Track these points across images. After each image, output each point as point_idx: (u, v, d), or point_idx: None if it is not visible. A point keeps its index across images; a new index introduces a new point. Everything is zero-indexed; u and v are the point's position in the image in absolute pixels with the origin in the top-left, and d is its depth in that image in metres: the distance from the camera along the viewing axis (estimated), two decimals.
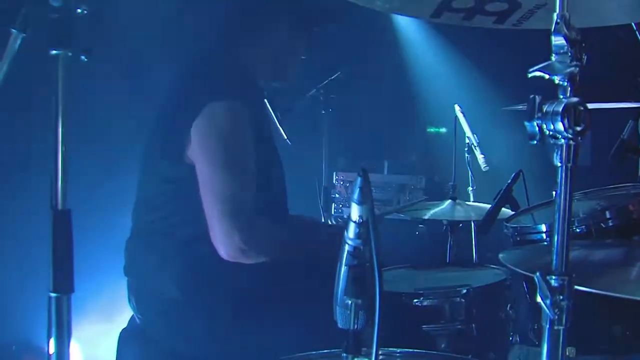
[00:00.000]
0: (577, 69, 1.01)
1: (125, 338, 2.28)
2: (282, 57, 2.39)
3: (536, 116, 1.03)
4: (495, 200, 2.42)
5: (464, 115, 3.17)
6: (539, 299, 1.03)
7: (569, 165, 1.02)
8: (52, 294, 1.22)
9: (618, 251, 1.72)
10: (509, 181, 2.44)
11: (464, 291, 2.18)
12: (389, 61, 4.97)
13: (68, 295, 1.23)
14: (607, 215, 1.89)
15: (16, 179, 3.16)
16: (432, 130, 5.10)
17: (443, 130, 5.02)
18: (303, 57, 2.47)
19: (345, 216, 1.11)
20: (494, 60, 4.51)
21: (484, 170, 3.11)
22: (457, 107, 3.20)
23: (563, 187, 1.02)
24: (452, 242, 2.93)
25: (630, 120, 2.29)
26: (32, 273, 2.27)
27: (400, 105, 4.88)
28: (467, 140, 3.16)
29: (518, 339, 2.31)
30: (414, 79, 5.10)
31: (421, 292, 2.19)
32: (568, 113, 1.00)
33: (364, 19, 4.23)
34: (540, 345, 1.08)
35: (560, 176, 1.02)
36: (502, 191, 2.43)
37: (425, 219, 3.11)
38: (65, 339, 1.22)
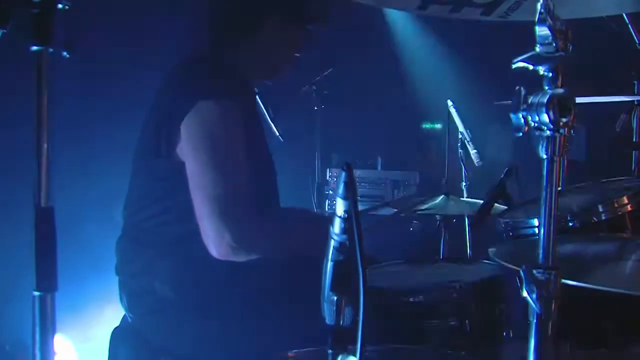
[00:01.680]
0: (562, 59, 1.00)
1: (118, 337, 2.27)
2: (274, 56, 2.37)
3: (521, 108, 1.02)
4: (488, 196, 2.41)
5: (457, 111, 3.17)
6: (525, 293, 1.02)
7: (555, 157, 1.01)
8: (36, 293, 1.21)
9: (611, 245, 1.72)
10: (501, 176, 2.43)
11: (458, 287, 2.17)
12: (383, 57, 4.96)
13: (52, 294, 1.21)
14: (600, 209, 1.89)
15: (6, 178, 3.14)
16: (427, 126, 5.08)
17: (438, 126, 5.01)
18: (297, 56, 2.44)
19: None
20: (487, 55, 4.50)
21: (477, 165, 3.10)
22: (449, 103, 3.20)
23: (549, 180, 1.01)
24: (445, 238, 2.93)
25: (622, 114, 2.29)
26: (25, 273, 2.26)
27: (393, 101, 4.87)
28: (459, 136, 3.16)
29: (512, 335, 2.31)
30: (408, 74, 5.09)
31: (414, 288, 2.18)
32: (553, 104, 0.99)
33: (357, 14, 4.22)
34: None
35: (546, 169, 1.01)
36: (495, 186, 2.42)
37: (418, 215, 3.11)
38: (49, 338, 1.21)
